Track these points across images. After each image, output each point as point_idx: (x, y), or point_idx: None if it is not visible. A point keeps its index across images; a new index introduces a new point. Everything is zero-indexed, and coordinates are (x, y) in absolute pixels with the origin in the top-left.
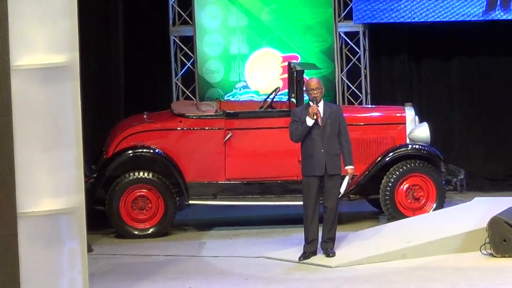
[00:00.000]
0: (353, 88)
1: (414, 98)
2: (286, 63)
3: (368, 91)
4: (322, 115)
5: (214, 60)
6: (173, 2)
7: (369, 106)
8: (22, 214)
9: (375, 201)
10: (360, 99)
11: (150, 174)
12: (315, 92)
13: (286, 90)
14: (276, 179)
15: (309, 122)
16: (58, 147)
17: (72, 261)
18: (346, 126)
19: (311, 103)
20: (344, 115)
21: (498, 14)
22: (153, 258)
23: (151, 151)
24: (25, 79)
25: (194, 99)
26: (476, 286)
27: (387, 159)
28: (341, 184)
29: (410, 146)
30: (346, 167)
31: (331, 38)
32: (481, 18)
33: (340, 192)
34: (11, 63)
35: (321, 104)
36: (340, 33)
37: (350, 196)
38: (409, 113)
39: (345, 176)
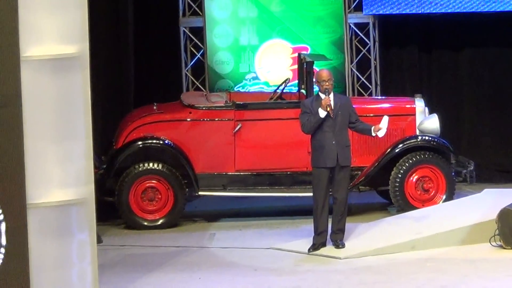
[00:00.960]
0: (363, 79)
1: (424, 89)
2: (296, 54)
3: (378, 82)
4: (333, 106)
5: (224, 51)
6: None
7: (379, 97)
8: (32, 205)
9: (384, 193)
10: (370, 90)
11: (160, 165)
12: (327, 83)
13: (296, 81)
14: (285, 170)
15: (322, 114)
16: (68, 138)
17: (81, 252)
18: (357, 115)
19: (322, 95)
20: (353, 106)
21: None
22: (163, 249)
23: (161, 142)
24: (35, 69)
25: (204, 90)
26: (485, 278)
27: (396, 150)
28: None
29: (419, 137)
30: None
31: (341, 29)
32: (491, 9)
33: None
34: (20, 54)
35: (331, 95)
36: (350, 24)
37: (360, 187)
38: (419, 104)
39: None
